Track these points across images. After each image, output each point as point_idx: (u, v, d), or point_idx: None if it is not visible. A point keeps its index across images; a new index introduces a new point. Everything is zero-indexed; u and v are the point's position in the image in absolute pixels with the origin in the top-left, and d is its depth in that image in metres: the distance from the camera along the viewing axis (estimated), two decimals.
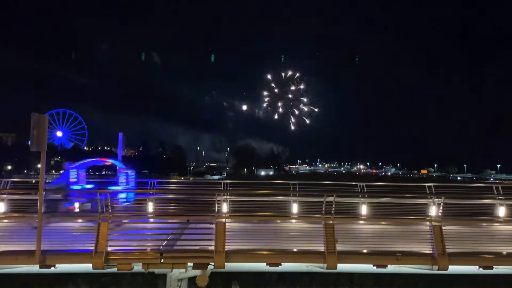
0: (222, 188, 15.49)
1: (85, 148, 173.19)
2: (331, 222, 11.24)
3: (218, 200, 12.18)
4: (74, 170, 14.81)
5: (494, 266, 11.01)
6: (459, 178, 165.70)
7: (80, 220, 12.88)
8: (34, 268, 10.39)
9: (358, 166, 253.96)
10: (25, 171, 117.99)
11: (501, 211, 14.26)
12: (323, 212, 11.62)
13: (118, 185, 14.88)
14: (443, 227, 11.19)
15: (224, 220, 11.22)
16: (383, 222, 12.63)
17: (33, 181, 20.01)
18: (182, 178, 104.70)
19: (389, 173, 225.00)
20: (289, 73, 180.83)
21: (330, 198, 11.66)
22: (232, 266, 10.93)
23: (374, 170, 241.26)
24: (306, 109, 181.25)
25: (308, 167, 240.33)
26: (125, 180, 14.95)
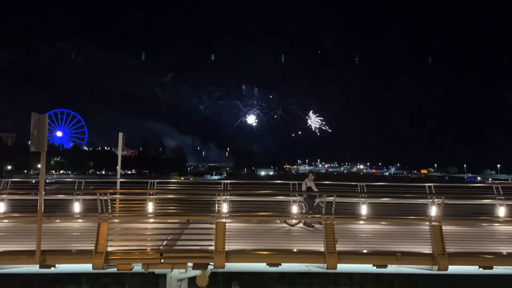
0: (222, 188, 15.48)
1: (85, 148, 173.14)
2: (331, 222, 11.23)
3: (218, 200, 12.17)
4: None
5: (494, 266, 10.98)
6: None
7: (80, 220, 12.90)
8: (34, 268, 10.37)
9: (358, 166, 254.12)
10: (25, 171, 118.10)
11: (501, 211, 14.26)
12: (323, 212, 11.62)
13: None
14: (443, 227, 11.18)
15: (224, 220, 11.19)
16: (383, 222, 12.63)
17: (33, 181, 20.02)
18: (182, 178, 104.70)
19: (386, 173, 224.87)
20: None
21: (330, 198, 11.65)
22: (232, 266, 10.90)
23: (374, 170, 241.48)
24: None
25: (308, 167, 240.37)
26: None
